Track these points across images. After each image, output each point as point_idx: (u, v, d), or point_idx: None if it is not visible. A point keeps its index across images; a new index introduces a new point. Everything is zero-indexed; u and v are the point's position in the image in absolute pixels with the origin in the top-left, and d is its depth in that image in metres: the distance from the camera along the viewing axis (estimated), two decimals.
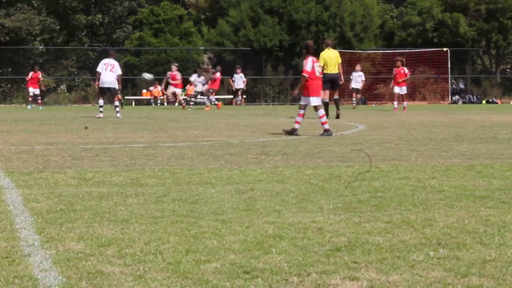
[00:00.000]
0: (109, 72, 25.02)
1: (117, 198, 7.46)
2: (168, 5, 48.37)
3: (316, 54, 17.91)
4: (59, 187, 8.19)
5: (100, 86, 25.28)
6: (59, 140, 14.95)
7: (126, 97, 45.35)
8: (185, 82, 38.47)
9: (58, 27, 48.41)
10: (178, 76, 36.59)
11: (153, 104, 44.55)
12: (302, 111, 16.40)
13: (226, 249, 5.30)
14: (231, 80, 43.27)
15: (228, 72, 42.70)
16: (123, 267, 4.82)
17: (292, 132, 16.26)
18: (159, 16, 47.75)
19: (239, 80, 42.66)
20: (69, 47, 49.36)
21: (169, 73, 37.03)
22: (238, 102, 43.09)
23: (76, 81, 50.99)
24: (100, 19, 51.22)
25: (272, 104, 43.70)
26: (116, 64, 25.45)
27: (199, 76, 35.76)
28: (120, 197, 7.50)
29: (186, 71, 42.21)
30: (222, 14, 48.18)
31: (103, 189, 8.03)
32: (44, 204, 7.05)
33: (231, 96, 44.62)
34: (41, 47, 47.84)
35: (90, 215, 6.52)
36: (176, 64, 37.60)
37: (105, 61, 25.25)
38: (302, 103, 16.54)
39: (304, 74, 16.31)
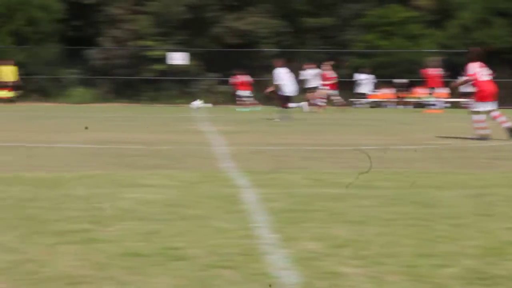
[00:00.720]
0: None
1: (351, 199, 7.53)
2: (396, 7, 48.10)
3: None
4: (293, 187, 8.36)
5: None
6: (288, 141, 15.27)
7: (350, 99, 45.53)
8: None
9: (288, 30, 49.38)
10: (330, 74, 35.59)
11: (382, 107, 44.40)
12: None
13: (462, 254, 5.21)
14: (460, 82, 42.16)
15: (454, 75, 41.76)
16: (359, 268, 4.86)
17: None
18: (387, 19, 47.58)
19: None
20: (298, 50, 50.21)
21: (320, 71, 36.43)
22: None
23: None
24: (329, 22, 51.70)
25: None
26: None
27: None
28: (354, 199, 7.55)
29: (412, 74, 41.71)
30: (450, 16, 47.28)
31: (337, 191, 8.12)
32: (280, 204, 7.23)
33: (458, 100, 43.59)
34: (271, 49, 48.96)
35: (325, 216, 6.62)
36: (330, 62, 36.76)
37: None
38: None
39: None
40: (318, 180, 9.00)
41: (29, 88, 44.67)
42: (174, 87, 45.83)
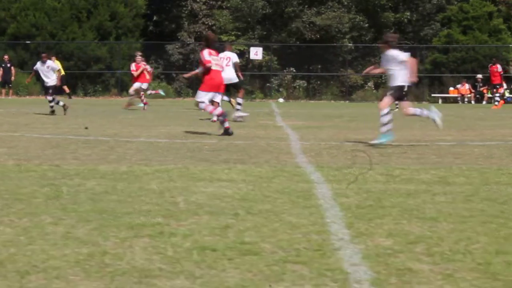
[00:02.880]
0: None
1: (425, 196, 7.46)
2: (477, 2, 47.40)
3: None
4: (367, 183, 8.32)
5: None
6: (367, 136, 15.17)
7: (432, 95, 45.05)
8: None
9: (366, 25, 49.12)
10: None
11: (460, 102, 43.83)
12: None
13: None
14: None
15: None
16: (432, 265, 4.82)
17: None
18: (468, 13, 46.92)
19: None
20: (377, 45, 49.90)
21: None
22: None
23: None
24: (408, 17, 51.24)
25: None
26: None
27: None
28: (428, 195, 7.48)
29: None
30: None
31: (411, 187, 8.05)
32: (353, 199, 7.20)
33: None
34: (350, 44, 48.76)
35: (398, 212, 6.57)
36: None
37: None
38: None
39: None
40: (393, 176, 8.94)
41: (109, 82, 45.36)
42: (251, 81, 45.98)
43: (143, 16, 46.70)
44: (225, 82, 17.31)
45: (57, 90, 26.49)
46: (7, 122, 18.69)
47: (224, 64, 18.88)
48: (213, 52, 15.55)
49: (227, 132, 14.82)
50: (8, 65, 41.41)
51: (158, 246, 5.23)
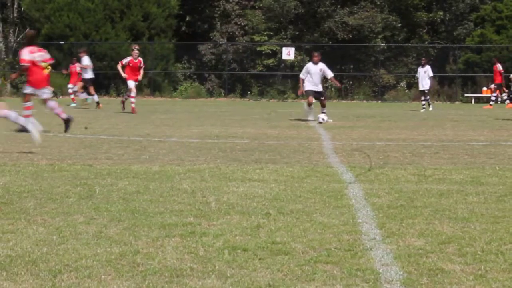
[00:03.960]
0: None
1: (457, 196, 7.41)
2: (511, 2, 47.00)
3: None
4: (399, 183, 8.29)
5: None
6: (399, 136, 15.12)
7: (465, 95, 44.74)
8: None
9: (399, 25, 48.90)
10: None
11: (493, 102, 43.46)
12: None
13: None
14: None
15: None
16: (464, 265, 4.79)
17: None
18: (502, 13, 46.52)
19: None
20: (409, 45, 49.69)
21: None
22: None
23: (415, 78, 51.16)
24: (441, 16, 50.92)
25: None
26: None
27: None
28: (460, 195, 7.43)
29: None
30: None
31: (443, 187, 8.01)
32: (385, 199, 7.18)
33: None
34: (382, 44, 48.56)
35: (430, 212, 6.54)
36: None
37: None
38: None
39: None
40: (425, 176, 8.90)
41: (141, 82, 45.50)
42: (283, 82, 45.96)
43: (175, 16, 46.80)
44: None
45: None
46: (40, 122, 18.80)
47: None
48: (35, 49, 15.66)
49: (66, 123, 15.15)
50: None
51: (190, 246, 5.25)
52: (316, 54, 21.03)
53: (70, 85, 30.90)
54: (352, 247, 5.24)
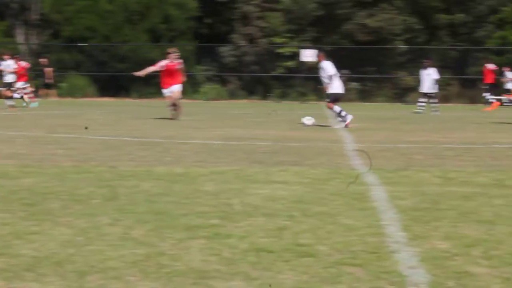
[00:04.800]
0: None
1: (482, 198, 7.38)
2: None
3: None
4: (423, 185, 8.27)
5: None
6: (421, 138, 15.08)
7: (487, 97, 44.53)
8: None
9: (419, 27, 48.75)
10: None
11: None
12: None
13: None
14: None
15: None
16: (490, 268, 4.77)
17: None
18: None
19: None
20: (430, 47, 49.53)
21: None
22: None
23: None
24: (462, 18, 50.72)
25: None
26: None
27: None
28: (485, 198, 7.40)
29: None
30: None
31: (467, 189, 7.98)
32: (409, 202, 7.16)
33: None
34: (402, 46, 48.43)
35: (454, 215, 6.51)
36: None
37: None
38: None
39: None
40: (449, 178, 8.86)
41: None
42: (304, 84, 45.93)
43: (195, 18, 46.90)
44: None
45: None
46: (64, 124, 18.92)
47: None
48: None
49: None
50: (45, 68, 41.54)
51: (214, 248, 5.26)
52: (320, 54, 20.90)
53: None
54: (377, 249, 5.23)
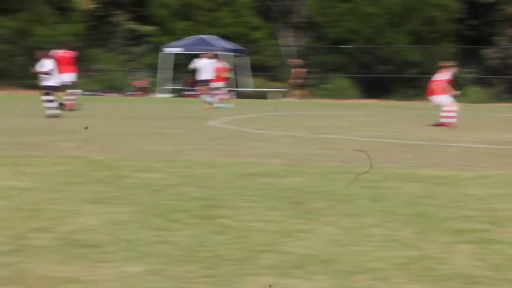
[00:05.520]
0: None
1: None
2: None
3: None
4: None
5: None
6: None
7: None
8: None
9: None
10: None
11: None
12: None
13: None
14: None
15: None
16: None
17: None
18: None
19: None
20: None
21: None
22: None
23: None
24: None
25: None
26: None
27: None
28: None
29: None
30: None
31: None
32: None
33: None
34: None
35: None
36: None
37: None
38: None
39: None
40: None
41: (421, 86, 45.13)
42: None
43: (458, 20, 46.04)
44: None
45: None
46: (328, 125, 19.27)
47: None
48: None
49: None
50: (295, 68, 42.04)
51: (481, 253, 5.15)
52: None
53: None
54: None
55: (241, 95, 43.80)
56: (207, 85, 29.37)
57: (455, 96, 20.36)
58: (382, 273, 4.64)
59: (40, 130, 15.26)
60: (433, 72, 21.57)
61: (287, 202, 7.05)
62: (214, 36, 44.35)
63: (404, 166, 10.07)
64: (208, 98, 28.83)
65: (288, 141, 13.78)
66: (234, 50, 44.29)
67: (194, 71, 30.38)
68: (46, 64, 20.61)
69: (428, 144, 13.66)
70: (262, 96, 44.24)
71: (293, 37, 49.98)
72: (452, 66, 21.46)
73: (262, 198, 7.26)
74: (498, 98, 44.07)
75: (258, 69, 46.29)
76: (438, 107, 20.34)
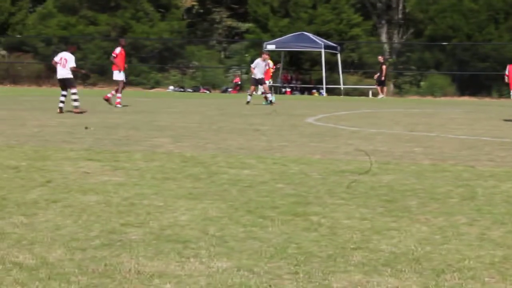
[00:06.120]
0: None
1: None
2: None
3: None
4: None
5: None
6: None
7: None
8: None
9: None
10: None
11: None
12: None
13: None
14: None
15: None
16: None
17: None
18: None
19: None
20: None
21: None
22: None
23: None
24: None
25: None
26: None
27: None
28: None
29: None
30: None
31: None
32: None
33: None
34: None
35: None
36: None
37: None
38: None
39: None
40: None
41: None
42: None
43: None
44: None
45: None
46: (423, 123, 19.05)
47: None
48: None
49: None
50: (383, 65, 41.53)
51: None
52: None
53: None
54: None
55: (335, 92, 43.71)
56: (264, 83, 29.89)
57: None
58: (473, 272, 4.57)
59: (133, 126, 15.53)
60: None
61: (379, 200, 7.01)
62: (310, 34, 44.37)
63: (500, 164, 9.88)
64: (270, 96, 29.19)
65: (384, 139, 13.66)
66: (332, 47, 44.24)
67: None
68: None
69: None
70: (361, 93, 44.08)
71: (393, 34, 49.54)
72: None
73: (354, 195, 7.24)
74: None
75: (355, 67, 46.11)
76: None
